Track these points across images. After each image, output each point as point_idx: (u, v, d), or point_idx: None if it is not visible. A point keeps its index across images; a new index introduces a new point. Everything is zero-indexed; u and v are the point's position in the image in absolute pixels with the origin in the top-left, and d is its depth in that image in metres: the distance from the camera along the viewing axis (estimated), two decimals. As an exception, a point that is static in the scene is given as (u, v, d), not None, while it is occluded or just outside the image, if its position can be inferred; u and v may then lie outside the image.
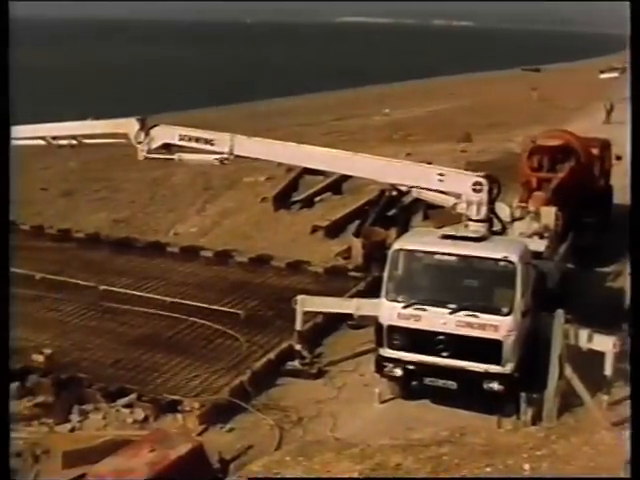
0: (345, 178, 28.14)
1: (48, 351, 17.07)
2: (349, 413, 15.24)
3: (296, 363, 17.06)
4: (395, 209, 25.08)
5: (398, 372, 15.18)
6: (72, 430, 14.86)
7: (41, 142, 22.10)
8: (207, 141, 18.40)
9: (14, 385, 16.09)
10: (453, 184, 16.03)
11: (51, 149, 23.15)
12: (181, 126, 19.16)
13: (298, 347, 17.22)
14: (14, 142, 22.93)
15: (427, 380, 15.03)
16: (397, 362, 15.09)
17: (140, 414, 15.04)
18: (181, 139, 18.73)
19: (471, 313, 14.41)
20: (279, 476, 11.60)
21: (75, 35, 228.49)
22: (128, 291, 21.18)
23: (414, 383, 15.36)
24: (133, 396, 15.52)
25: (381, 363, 15.34)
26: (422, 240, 15.78)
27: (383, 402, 15.61)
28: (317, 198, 30.58)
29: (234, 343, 18.11)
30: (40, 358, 16.84)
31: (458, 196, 15.92)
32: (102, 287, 21.43)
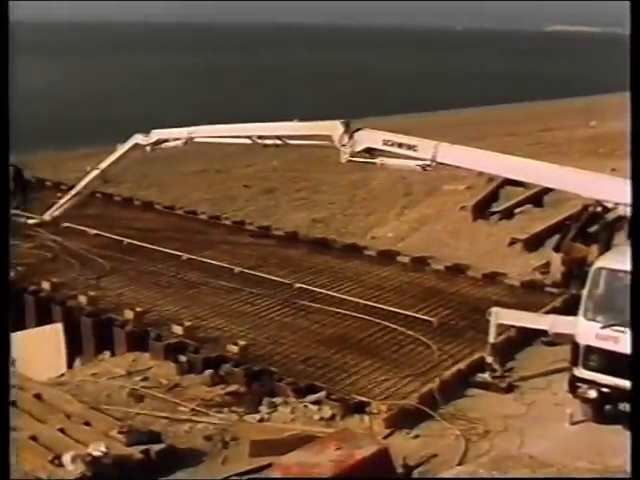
0: (547, 191, 27.51)
1: (242, 342, 17.56)
2: (538, 431, 14.83)
3: (486, 375, 16.78)
4: (598, 225, 24.26)
5: (592, 394, 14.65)
6: (261, 421, 15.21)
7: (247, 141, 22.85)
8: (410, 147, 18.43)
9: (208, 372, 16.72)
10: (661, 202, 15.33)
11: (256, 148, 23.83)
12: (384, 131, 19.29)
13: (490, 359, 16.93)
14: (223, 140, 24.11)
15: (622, 405, 14.43)
16: (592, 384, 14.57)
17: (328, 412, 15.20)
18: (384, 144, 18.85)
19: (674, 339, 13.73)
20: None
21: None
22: (323, 291, 21.46)
23: (608, 407, 14.78)
24: (322, 394, 15.73)
25: (575, 383, 14.85)
26: (626, 259, 15.16)
27: (574, 423, 15.07)
28: (517, 210, 30.08)
29: (425, 350, 18.02)
30: (235, 348, 17.34)
31: (666, 215, 15.21)
32: (298, 285, 21.84)
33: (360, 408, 15.33)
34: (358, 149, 19.24)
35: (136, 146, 25.29)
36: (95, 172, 26.82)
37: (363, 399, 15.57)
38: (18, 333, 20.55)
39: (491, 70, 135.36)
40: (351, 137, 19.28)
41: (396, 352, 18.00)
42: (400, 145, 18.54)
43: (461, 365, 17.14)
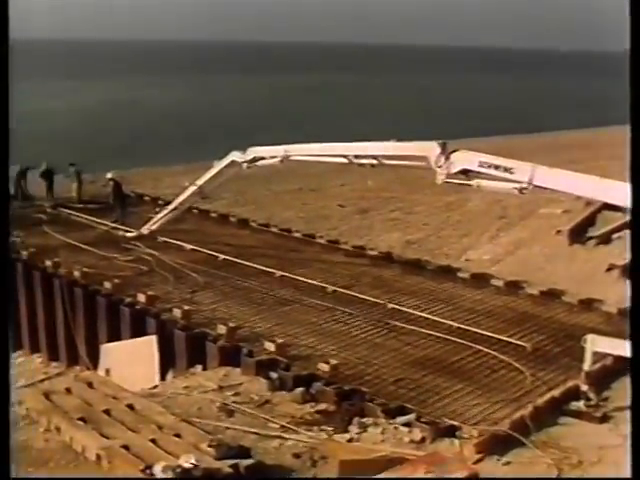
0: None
1: (334, 361, 17.55)
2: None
3: (581, 404, 16.37)
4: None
5: None
6: (350, 440, 15.09)
7: (343, 160, 22.93)
8: (507, 169, 18.14)
9: (299, 390, 16.74)
10: None
11: (351, 167, 23.88)
12: (480, 152, 19.09)
13: (584, 388, 16.56)
14: (319, 159, 24.25)
15: None
16: None
17: (418, 434, 15.03)
18: (480, 166, 18.60)
19: None
20: None
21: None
22: (415, 312, 21.33)
23: None
24: (412, 416, 15.57)
25: (674, 415, 14.45)
26: None
27: (673, 457, 14.67)
28: (615, 235, 29.51)
29: (518, 376, 17.72)
30: (325, 367, 17.34)
31: None
32: (390, 305, 21.76)
33: (451, 432, 15.12)
34: (454, 170, 19.06)
35: (233, 163, 25.63)
36: (192, 188, 27.26)
37: (454, 423, 15.37)
38: (113, 344, 21.04)
39: (586, 94, 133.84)
40: (447, 158, 19.11)
41: (488, 377, 17.74)
42: (496, 167, 18.28)
43: (555, 392, 16.77)
